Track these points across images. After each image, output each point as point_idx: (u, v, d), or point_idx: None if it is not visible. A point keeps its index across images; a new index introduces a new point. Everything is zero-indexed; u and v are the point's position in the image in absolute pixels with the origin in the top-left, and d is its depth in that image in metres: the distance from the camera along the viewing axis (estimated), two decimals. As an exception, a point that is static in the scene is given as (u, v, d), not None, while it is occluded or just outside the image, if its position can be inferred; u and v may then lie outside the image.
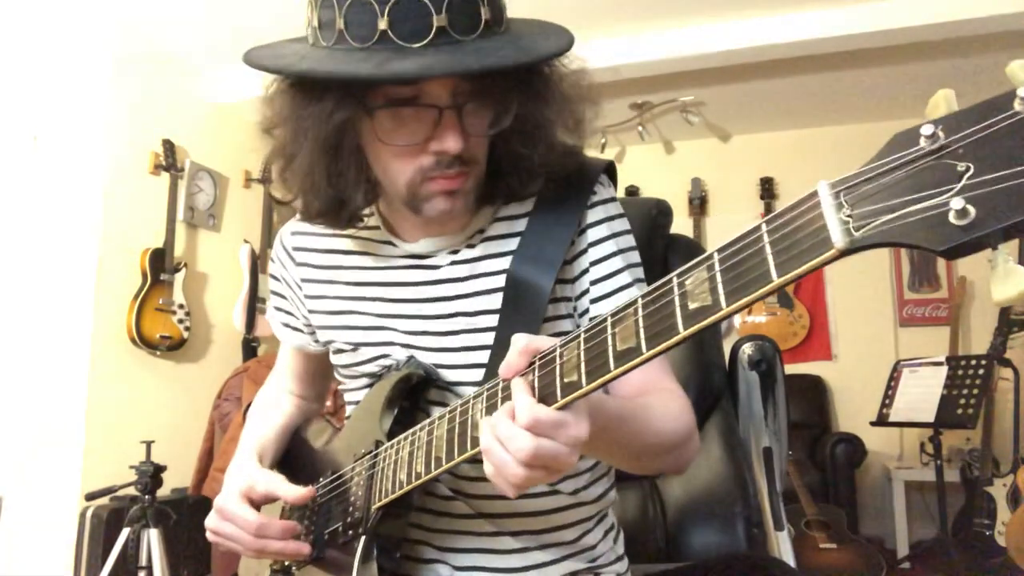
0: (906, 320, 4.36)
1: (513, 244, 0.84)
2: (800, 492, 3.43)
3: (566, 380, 0.57)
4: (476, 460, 0.80)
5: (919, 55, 3.45)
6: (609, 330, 0.54)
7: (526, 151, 0.80)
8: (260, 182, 3.95)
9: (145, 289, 3.19)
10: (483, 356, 0.82)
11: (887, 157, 0.41)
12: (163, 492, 2.61)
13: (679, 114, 4.20)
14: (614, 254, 0.84)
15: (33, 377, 3.06)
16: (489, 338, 0.82)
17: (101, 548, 2.63)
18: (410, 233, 0.88)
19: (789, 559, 1.16)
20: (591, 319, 0.82)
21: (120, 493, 2.53)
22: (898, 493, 3.77)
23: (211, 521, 0.86)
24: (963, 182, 0.37)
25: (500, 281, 0.83)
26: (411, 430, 0.76)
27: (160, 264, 3.25)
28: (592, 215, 0.85)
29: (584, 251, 0.84)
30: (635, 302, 0.53)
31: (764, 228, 0.45)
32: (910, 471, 3.84)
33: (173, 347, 3.29)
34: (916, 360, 3.35)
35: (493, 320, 0.82)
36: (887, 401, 3.31)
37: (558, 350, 0.58)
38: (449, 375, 0.85)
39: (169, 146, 3.35)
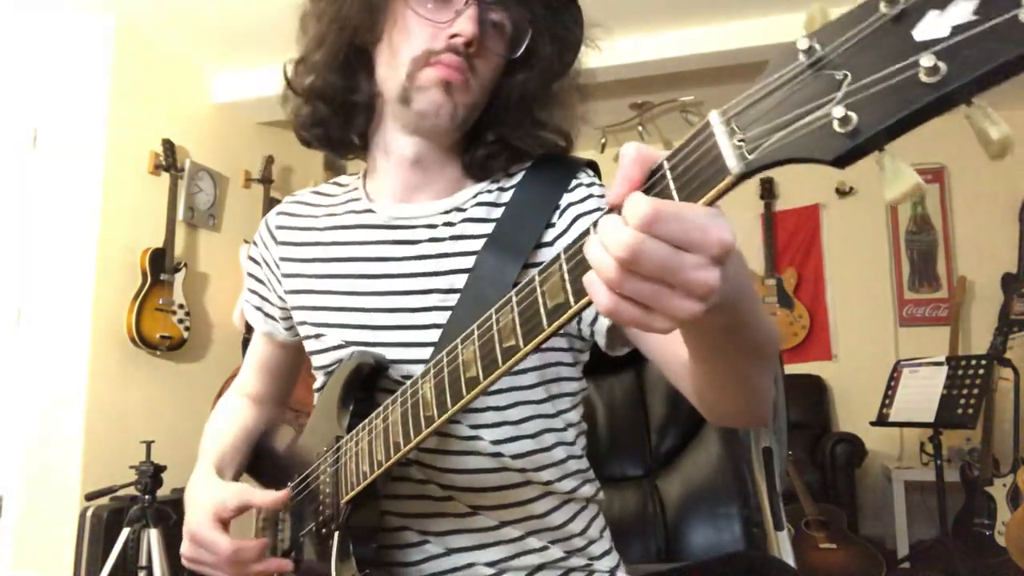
0: (906, 320, 4.36)
1: (489, 228, 0.85)
2: (800, 492, 3.42)
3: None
4: (442, 451, 0.81)
5: (919, 55, 3.45)
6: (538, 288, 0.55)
7: (528, 89, 0.85)
8: (260, 182, 3.95)
9: (145, 289, 3.19)
10: (437, 335, 0.82)
11: (769, 77, 0.41)
12: (163, 492, 2.62)
13: (679, 114, 4.20)
14: None
15: (33, 377, 3.06)
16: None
17: (101, 548, 2.63)
18: (388, 199, 0.90)
19: (789, 559, 1.16)
20: None
21: (120, 493, 2.53)
22: (898, 493, 3.76)
23: (186, 549, 0.85)
24: (843, 90, 0.38)
25: (470, 262, 0.83)
26: (367, 419, 0.76)
27: (160, 264, 3.25)
28: (572, 196, 0.85)
29: (568, 228, 0.83)
30: (558, 258, 0.52)
31: (666, 166, 0.46)
32: (910, 471, 3.83)
33: (173, 347, 3.29)
34: (916, 360, 3.35)
35: (460, 299, 0.82)
36: (887, 401, 3.31)
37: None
38: (404, 353, 0.84)
39: (169, 146, 3.35)
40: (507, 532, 0.84)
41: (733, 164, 0.42)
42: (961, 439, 3.65)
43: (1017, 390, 3.44)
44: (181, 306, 3.34)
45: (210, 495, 0.85)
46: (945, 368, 3.20)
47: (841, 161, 0.38)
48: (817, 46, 0.39)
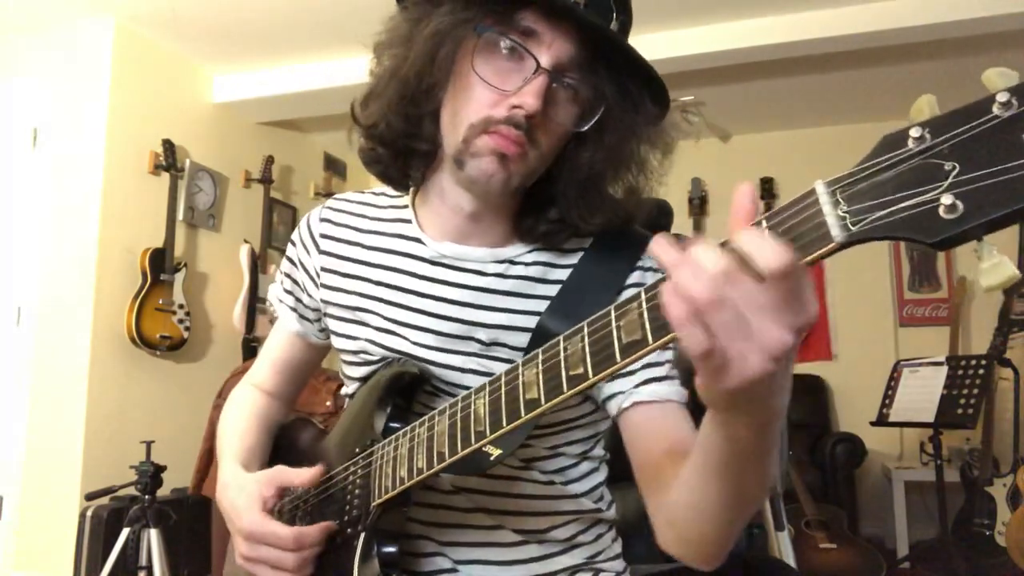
0: (906, 320, 4.36)
1: (549, 291, 0.85)
2: (800, 492, 3.42)
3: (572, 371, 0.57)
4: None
5: (918, 55, 3.45)
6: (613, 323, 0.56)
7: (595, 170, 0.82)
8: (260, 182, 3.95)
9: (145, 289, 3.19)
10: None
11: (878, 157, 0.44)
12: (163, 492, 2.61)
13: (679, 114, 4.20)
14: None
15: (33, 377, 3.06)
16: (502, 369, 0.82)
17: (101, 548, 2.63)
18: (438, 234, 0.88)
19: (789, 559, 1.16)
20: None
21: (120, 493, 2.53)
22: (898, 493, 3.76)
23: (244, 550, 0.80)
24: (951, 179, 0.41)
25: (526, 322, 0.83)
26: (410, 426, 0.76)
27: (160, 264, 3.25)
28: (635, 277, 0.85)
29: None
30: (638, 296, 0.53)
31: (764, 224, 0.47)
32: (910, 471, 3.83)
33: (173, 347, 3.29)
34: (916, 360, 3.35)
35: (508, 354, 0.83)
36: (887, 401, 3.31)
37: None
38: (449, 378, 0.85)
39: (169, 146, 3.35)
40: (526, 551, 0.85)
41: (837, 233, 0.44)
42: (961, 439, 3.65)
43: (1017, 390, 3.44)
44: (181, 306, 3.34)
45: (248, 491, 0.83)
46: (945, 368, 3.20)
47: (942, 244, 0.41)
48: (927, 135, 0.42)
